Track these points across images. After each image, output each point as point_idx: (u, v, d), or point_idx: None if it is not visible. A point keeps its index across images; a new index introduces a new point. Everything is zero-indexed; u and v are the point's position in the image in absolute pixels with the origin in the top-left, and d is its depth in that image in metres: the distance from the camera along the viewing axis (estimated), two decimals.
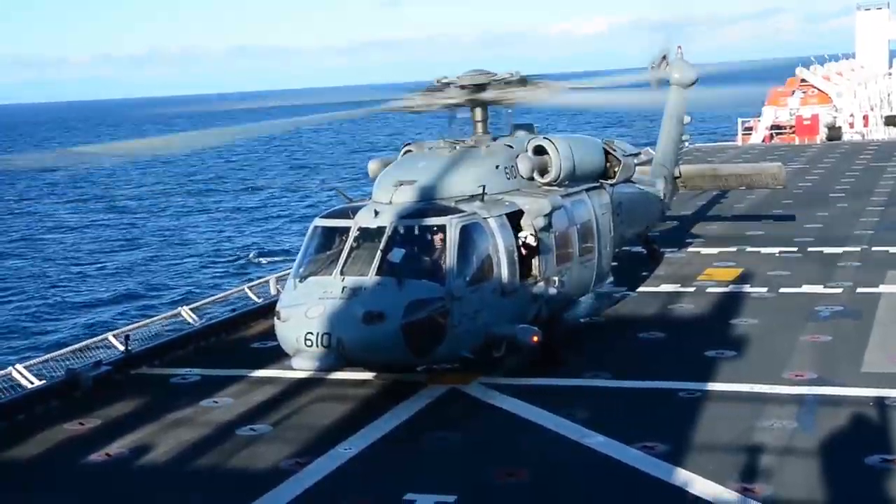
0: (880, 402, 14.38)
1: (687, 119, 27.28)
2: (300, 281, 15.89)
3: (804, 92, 68.35)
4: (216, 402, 15.96)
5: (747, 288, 22.09)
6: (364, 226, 16.01)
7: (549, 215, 17.34)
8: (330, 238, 16.47)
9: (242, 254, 59.86)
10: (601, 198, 20.03)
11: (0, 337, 41.64)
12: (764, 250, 25.89)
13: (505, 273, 16.38)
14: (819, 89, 68.19)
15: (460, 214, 16.17)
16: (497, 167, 17.85)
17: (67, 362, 17.34)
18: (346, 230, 16.09)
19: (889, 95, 72.35)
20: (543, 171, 18.55)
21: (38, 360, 17.58)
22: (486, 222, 16.41)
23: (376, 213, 16.13)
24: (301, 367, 14.97)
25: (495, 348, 16.60)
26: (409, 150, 19.00)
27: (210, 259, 57.41)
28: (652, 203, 24.15)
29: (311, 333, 14.67)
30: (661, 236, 27.01)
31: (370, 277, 15.26)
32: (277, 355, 17.52)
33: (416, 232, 16.44)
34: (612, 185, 20.54)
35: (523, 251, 16.99)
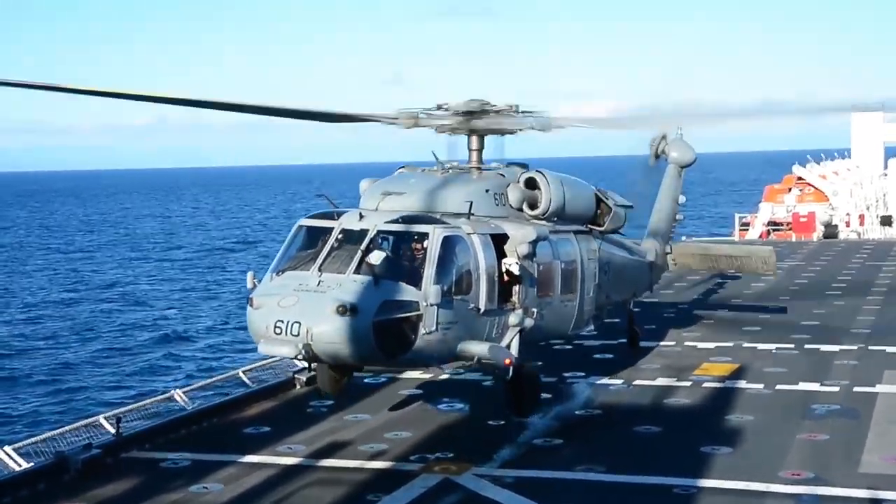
0: None
1: (682, 199, 27.53)
2: (277, 275, 15.93)
3: (801, 189, 69.07)
4: (206, 488, 15.75)
5: (743, 384, 21.97)
6: (347, 227, 16.11)
7: (533, 243, 17.41)
8: (312, 237, 16.54)
9: None
10: (588, 243, 20.07)
11: None
12: (760, 346, 25.83)
13: (483, 291, 16.38)
14: (815, 187, 68.90)
15: (444, 225, 16.31)
16: (487, 191, 18.01)
17: (56, 444, 17.15)
18: (329, 230, 16.19)
19: (885, 195, 72.83)
20: (533, 205, 18.63)
21: (26, 441, 17.39)
22: (469, 237, 16.51)
23: (361, 216, 16.28)
24: (267, 352, 15.22)
25: (467, 364, 16.51)
26: (403, 171, 19.15)
27: (204, 342, 57.15)
28: (641, 270, 24.17)
29: (282, 321, 14.71)
30: (656, 329, 26.99)
31: (347, 276, 15.30)
32: (269, 441, 17.34)
33: (399, 237, 16.52)
34: (601, 232, 20.59)
35: (504, 276, 16.96)
